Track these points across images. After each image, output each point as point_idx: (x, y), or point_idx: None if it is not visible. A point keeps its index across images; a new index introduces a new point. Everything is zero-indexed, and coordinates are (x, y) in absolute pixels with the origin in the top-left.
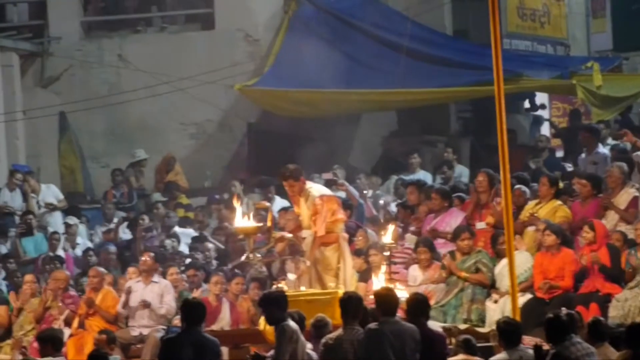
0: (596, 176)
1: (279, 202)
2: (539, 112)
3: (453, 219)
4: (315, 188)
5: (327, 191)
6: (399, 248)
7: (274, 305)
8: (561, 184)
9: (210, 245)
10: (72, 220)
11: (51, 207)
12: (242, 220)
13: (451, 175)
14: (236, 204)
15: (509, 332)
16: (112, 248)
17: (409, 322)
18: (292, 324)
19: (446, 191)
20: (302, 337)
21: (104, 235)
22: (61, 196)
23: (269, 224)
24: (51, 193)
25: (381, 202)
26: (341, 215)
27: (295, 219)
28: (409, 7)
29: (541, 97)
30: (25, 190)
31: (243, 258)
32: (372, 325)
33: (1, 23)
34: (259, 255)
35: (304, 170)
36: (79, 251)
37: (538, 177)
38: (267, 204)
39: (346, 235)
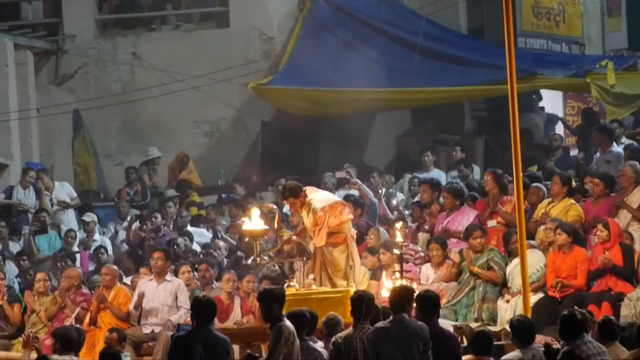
0: (609, 175)
1: (255, 224)
2: (552, 111)
3: (465, 218)
4: (317, 198)
5: (329, 198)
6: (411, 246)
7: (275, 302)
8: (574, 183)
9: (221, 244)
10: (90, 217)
11: (64, 205)
12: (251, 223)
13: (468, 174)
14: (253, 207)
15: (522, 331)
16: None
17: (420, 319)
18: (289, 324)
19: (457, 190)
20: (297, 339)
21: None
22: (74, 194)
23: (276, 225)
24: (64, 191)
25: (394, 202)
26: (348, 215)
27: None
28: (424, 5)
29: (555, 96)
30: (39, 187)
31: (250, 261)
32: (380, 323)
33: (16, 21)
34: (265, 257)
35: (302, 185)
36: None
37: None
38: (274, 206)
39: (354, 234)
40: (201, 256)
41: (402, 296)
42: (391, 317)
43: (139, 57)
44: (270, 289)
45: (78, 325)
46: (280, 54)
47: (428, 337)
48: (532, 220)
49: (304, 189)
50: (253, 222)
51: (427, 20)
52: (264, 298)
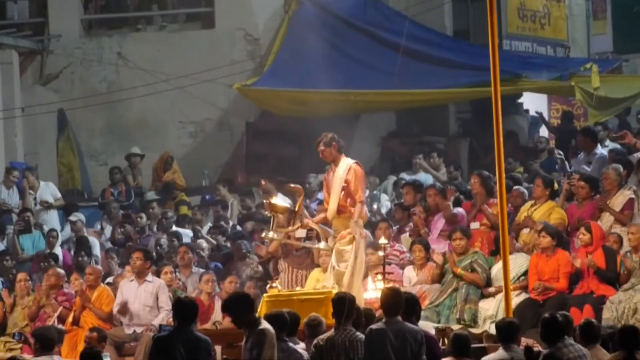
0: (594, 178)
1: (280, 200)
2: (535, 114)
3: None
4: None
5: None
6: (397, 247)
7: (238, 308)
8: (556, 185)
9: (204, 244)
10: (76, 217)
11: (46, 205)
12: (275, 197)
13: (457, 176)
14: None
15: (507, 330)
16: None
17: None
18: (270, 327)
19: (443, 190)
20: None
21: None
22: (58, 194)
23: (297, 208)
24: (49, 191)
25: (374, 206)
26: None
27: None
28: (409, 7)
29: (539, 99)
30: (23, 186)
31: (263, 235)
32: (375, 325)
33: (1, 20)
34: (277, 235)
35: (340, 143)
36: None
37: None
38: (300, 187)
39: (364, 234)
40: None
41: (395, 299)
42: (385, 319)
43: (124, 57)
44: (229, 296)
45: (60, 326)
46: (266, 55)
47: (423, 340)
48: (514, 223)
49: (339, 143)
50: (278, 198)
51: (412, 22)
52: (226, 308)
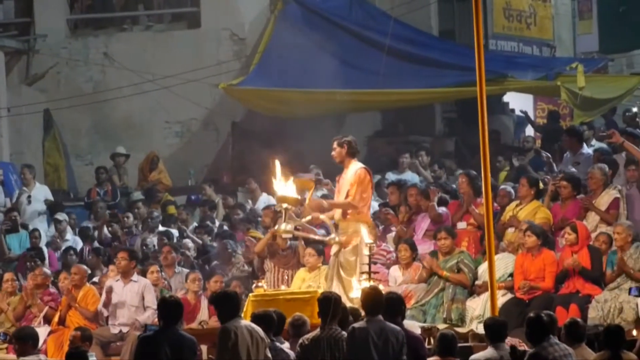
0: (576, 177)
1: (264, 199)
2: (520, 114)
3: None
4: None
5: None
6: (383, 246)
7: (222, 304)
8: (541, 185)
9: (190, 244)
10: (62, 216)
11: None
12: (286, 188)
13: (441, 175)
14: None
15: (496, 329)
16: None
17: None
18: (231, 324)
19: (426, 191)
20: (252, 335)
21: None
22: (50, 197)
23: (308, 200)
24: (42, 192)
25: None
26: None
27: (274, 218)
28: (395, 7)
29: (525, 99)
30: (22, 184)
31: (275, 227)
32: (357, 324)
33: None
34: (289, 227)
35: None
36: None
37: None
38: (312, 178)
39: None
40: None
41: (376, 298)
42: (367, 318)
43: (110, 57)
44: (220, 291)
45: (46, 325)
46: (252, 55)
47: (404, 340)
48: (499, 223)
49: (351, 145)
50: (288, 188)
51: (398, 22)
52: (214, 302)
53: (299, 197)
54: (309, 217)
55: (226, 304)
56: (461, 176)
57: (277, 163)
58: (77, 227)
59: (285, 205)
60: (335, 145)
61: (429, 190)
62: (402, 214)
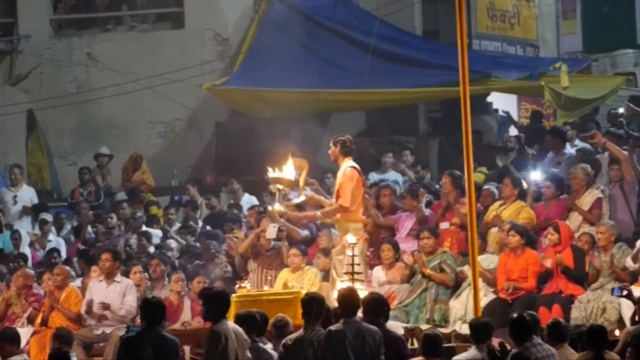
0: (559, 177)
1: (247, 199)
2: (503, 114)
3: (410, 218)
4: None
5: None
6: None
7: (214, 302)
8: (525, 185)
9: (173, 245)
10: (48, 217)
11: (28, 210)
12: (281, 172)
13: (424, 175)
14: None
15: (482, 329)
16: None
17: (368, 322)
18: (220, 327)
19: (416, 191)
20: (237, 337)
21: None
22: (36, 200)
23: (301, 182)
24: (29, 194)
25: None
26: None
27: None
28: (379, 7)
29: (509, 99)
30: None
31: (269, 208)
32: (333, 326)
33: None
34: (283, 208)
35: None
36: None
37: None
38: (305, 161)
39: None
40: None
41: (352, 300)
42: (343, 320)
43: (93, 57)
44: (210, 289)
45: (30, 326)
46: (235, 55)
47: (381, 340)
48: (482, 223)
49: (345, 144)
50: (285, 170)
51: (382, 22)
52: (204, 298)
53: (293, 179)
54: (302, 198)
55: (216, 304)
56: (445, 176)
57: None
58: (64, 227)
59: (279, 186)
60: (330, 143)
61: (418, 192)
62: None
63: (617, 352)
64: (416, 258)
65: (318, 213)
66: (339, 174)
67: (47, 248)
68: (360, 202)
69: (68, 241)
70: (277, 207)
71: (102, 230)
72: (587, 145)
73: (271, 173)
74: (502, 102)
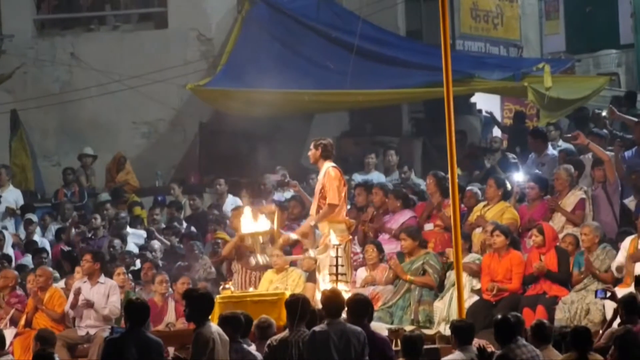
0: (543, 178)
1: (231, 200)
2: (486, 114)
3: (401, 218)
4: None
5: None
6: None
7: (198, 304)
8: (509, 186)
9: (156, 246)
10: (33, 217)
11: (11, 212)
12: (249, 224)
13: (410, 176)
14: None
15: (465, 331)
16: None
17: (352, 323)
18: (207, 330)
19: (400, 192)
20: (221, 339)
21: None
22: (21, 202)
23: (275, 225)
24: (13, 195)
25: None
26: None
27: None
28: (362, 7)
29: (492, 99)
30: None
31: (253, 262)
32: (318, 327)
33: None
34: (266, 260)
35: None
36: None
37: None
38: (274, 207)
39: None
40: (135, 257)
41: (336, 300)
42: (327, 321)
43: (77, 57)
44: (194, 290)
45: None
46: (219, 55)
47: (365, 341)
48: (467, 223)
49: (326, 148)
50: (257, 223)
51: (365, 22)
52: (187, 298)
53: (268, 228)
54: (280, 241)
55: (200, 305)
56: (429, 177)
57: (247, 209)
58: (48, 228)
59: (259, 238)
60: (311, 146)
61: (402, 193)
62: (367, 214)
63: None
64: (393, 266)
65: (312, 222)
66: (320, 176)
67: (34, 248)
68: (343, 203)
69: (52, 243)
70: (261, 259)
71: (86, 231)
72: (570, 146)
73: (246, 228)
74: (486, 102)
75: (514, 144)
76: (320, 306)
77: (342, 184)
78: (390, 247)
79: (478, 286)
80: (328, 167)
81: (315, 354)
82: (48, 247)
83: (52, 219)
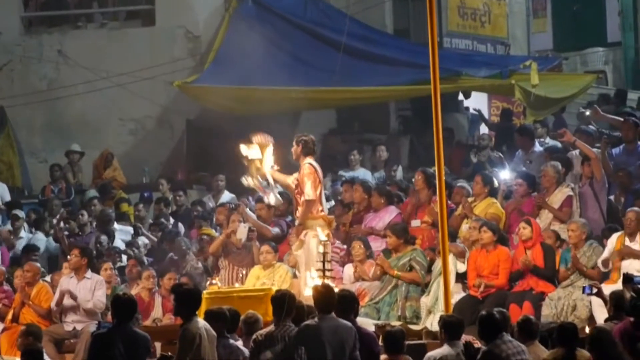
0: (531, 175)
1: (227, 197)
2: (473, 112)
3: (387, 216)
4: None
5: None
6: (337, 244)
7: (185, 299)
8: (496, 183)
9: (140, 242)
10: (20, 213)
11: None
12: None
13: (397, 174)
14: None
15: (454, 326)
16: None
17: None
18: (193, 326)
19: (383, 189)
20: (208, 335)
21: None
22: (8, 198)
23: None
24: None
25: None
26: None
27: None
28: (350, 5)
29: (479, 97)
30: None
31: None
32: (309, 321)
33: None
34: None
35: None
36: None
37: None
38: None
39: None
40: (121, 254)
41: (328, 296)
42: (319, 316)
43: (64, 54)
44: (183, 286)
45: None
46: (206, 53)
47: (356, 336)
48: (454, 215)
49: (307, 145)
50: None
51: (352, 20)
52: (176, 294)
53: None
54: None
55: (188, 301)
56: (418, 174)
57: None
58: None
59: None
60: (293, 143)
61: (386, 190)
62: (347, 217)
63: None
64: (380, 262)
65: (301, 220)
66: (300, 174)
67: (21, 245)
68: (318, 199)
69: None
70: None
71: (75, 227)
72: (555, 144)
73: (245, 151)
74: (473, 100)
75: (501, 141)
76: (305, 302)
77: (318, 181)
78: (377, 244)
79: (463, 269)
80: (305, 164)
81: (307, 347)
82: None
83: (39, 215)
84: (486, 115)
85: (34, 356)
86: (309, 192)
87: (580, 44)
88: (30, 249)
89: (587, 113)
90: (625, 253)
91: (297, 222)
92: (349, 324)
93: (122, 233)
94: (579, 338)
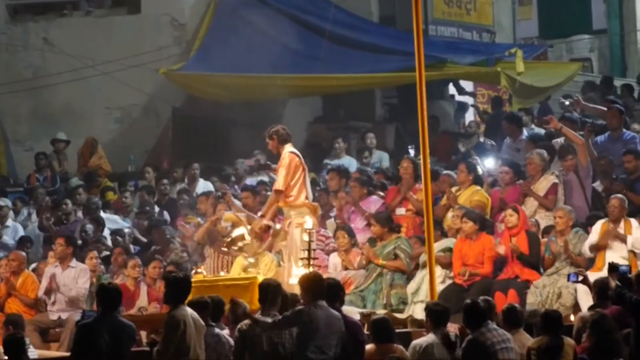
0: (516, 163)
1: (202, 185)
2: (464, 99)
3: (372, 205)
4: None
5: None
6: (322, 232)
7: (174, 287)
8: (480, 170)
9: (126, 230)
10: (4, 201)
11: None
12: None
13: (370, 162)
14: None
15: (438, 313)
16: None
17: None
18: (179, 313)
19: (364, 179)
20: (195, 323)
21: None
22: None
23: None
24: None
25: None
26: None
27: (214, 204)
28: None
29: (465, 84)
30: None
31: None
32: (304, 306)
33: None
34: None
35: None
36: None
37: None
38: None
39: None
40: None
41: (319, 283)
42: (312, 303)
43: (50, 42)
44: (174, 274)
45: None
46: (192, 40)
47: (345, 324)
48: (439, 205)
49: (279, 134)
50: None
51: (338, 8)
52: (167, 282)
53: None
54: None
55: (177, 289)
56: (405, 161)
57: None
58: (21, 212)
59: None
60: (267, 140)
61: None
62: (339, 200)
63: (574, 338)
64: (365, 251)
65: (259, 214)
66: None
67: (14, 235)
68: (301, 187)
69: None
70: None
71: (60, 216)
72: (538, 132)
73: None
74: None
75: (492, 129)
76: (290, 291)
77: (300, 169)
78: (365, 236)
79: (451, 275)
80: (285, 153)
81: (299, 327)
82: (21, 232)
83: (24, 204)
84: (471, 102)
85: (14, 345)
86: (279, 182)
87: (565, 32)
88: (24, 240)
89: (567, 103)
90: (613, 235)
91: (259, 213)
92: (338, 313)
93: (109, 222)
94: (564, 326)
